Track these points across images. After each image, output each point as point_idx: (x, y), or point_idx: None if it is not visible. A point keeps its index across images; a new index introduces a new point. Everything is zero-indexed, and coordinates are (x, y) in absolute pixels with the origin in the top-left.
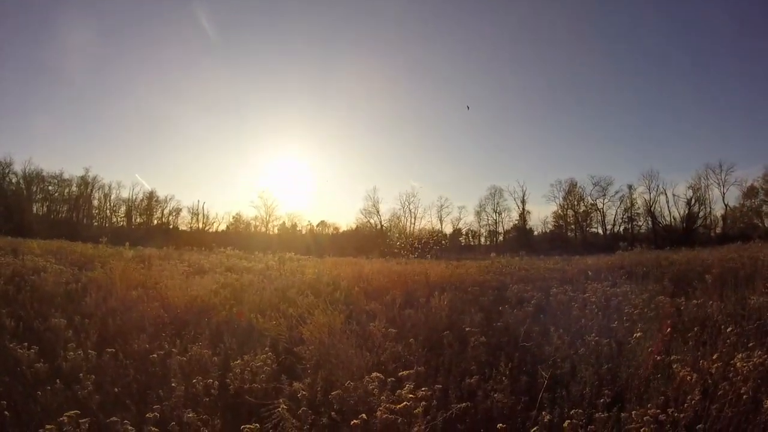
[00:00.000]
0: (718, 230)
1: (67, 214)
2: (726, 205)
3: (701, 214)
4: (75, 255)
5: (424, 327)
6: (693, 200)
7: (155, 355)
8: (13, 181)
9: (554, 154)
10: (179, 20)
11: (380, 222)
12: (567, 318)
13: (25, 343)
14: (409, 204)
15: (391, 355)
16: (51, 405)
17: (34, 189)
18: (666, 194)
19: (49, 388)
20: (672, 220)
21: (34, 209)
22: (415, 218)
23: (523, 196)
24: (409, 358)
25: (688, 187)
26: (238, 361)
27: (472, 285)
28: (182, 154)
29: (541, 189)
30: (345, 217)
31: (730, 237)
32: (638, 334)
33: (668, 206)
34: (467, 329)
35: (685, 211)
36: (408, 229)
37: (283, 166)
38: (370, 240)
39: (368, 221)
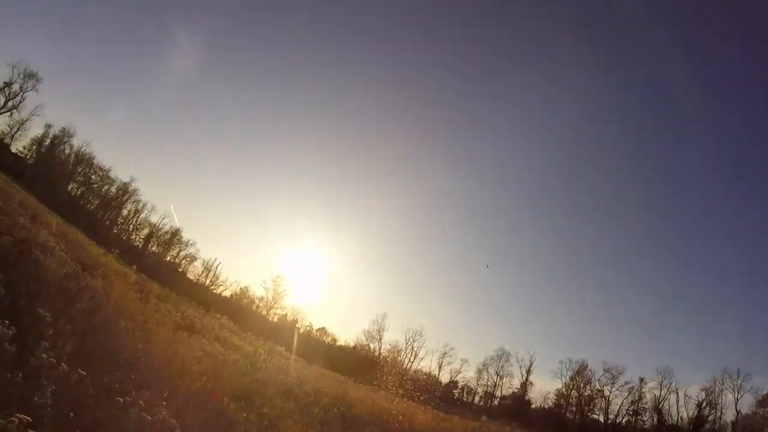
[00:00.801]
0: None
1: (96, 209)
2: (738, 412)
3: (711, 417)
4: (84, 252)
5: None
6: (704, 403)
7: (120, 400)
8: (66, 151)
9: (571, 331)
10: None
11: (380, 349)
12: None
13: (6, 321)
14: (414, 341)
15: None
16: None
17: (79, 169)
18: (677, 393)
19: (8, 375)
20: (679, 420)
21: (70, 187)
22: (415, 356)
23: (530, 366)
24: None
25: (702, 389)
26: None
27: None
28: (220, 208)
29: (550, 363)
30: (347, 332)
31: None
32: None
33: (677, 406)
34: None
35: (694, 413)
36: (405, 366)
37: (304, 260)
38: (365, 364)
39: (368, 344)
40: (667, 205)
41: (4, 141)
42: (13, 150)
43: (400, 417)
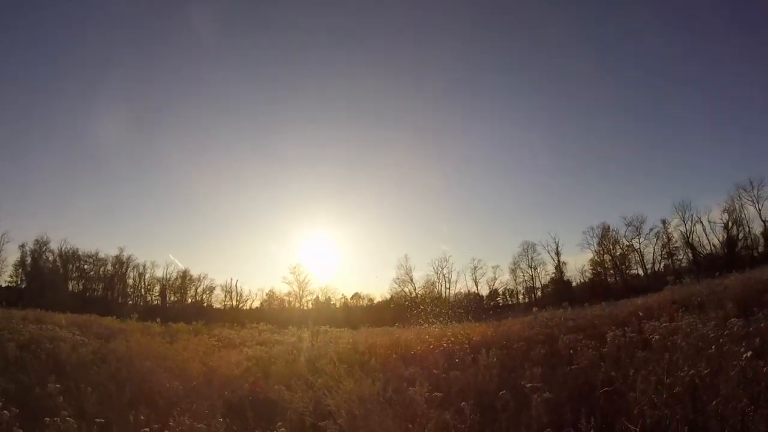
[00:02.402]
0: (761, 249)
1: (102, 292)
2: (765, 221)
3: (741, 235)
4: (101, 328)
5: (472, 389)
6: (730, 223)
7: (147, 430)
8: (50, 258)
9: (582, 200)
10: (213, 104)
11: (415, 290)
12: (632, 361)
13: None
14: (443, 269)
15: (437, 425)
16: None
17: (70, 267)
18: (702, 222)
19: None
20: (712, 247)
21: (70, 287)
22: (449, 282)
23: (557, 248)
24: (459, 427)
25: (723, 211)
26: None
27: (518, 341)
28: (214, 232)
29: (574, 238)
30: (379, 287)
31: None
32: None
33: (706, 234)
34: (528, 385)
35: (723, 236)
36: (444, 295)
37: (314, 241)
38: (406, 308)
39: (402, 290)
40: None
41: None
42: (2, 284)
43: (457, 339)
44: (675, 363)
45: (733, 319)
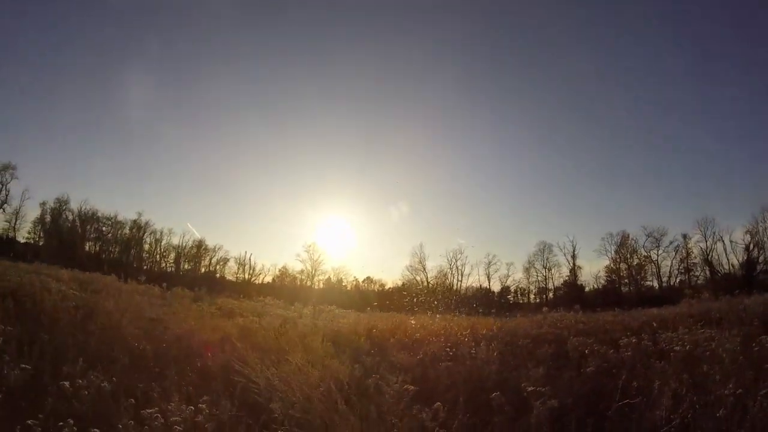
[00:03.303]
0: None
1: (118, 255)
2: None
3: (761, 258)
4: (101, 285)
5: (466, 384)
6: (751, 245)
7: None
8: (69, 218)
9: (604, 206)
10: (240, 83)
11: (427, 279)
12: (647, 372)
13: None
14: (456, 261)
15: (409, 428)
16: None
17: (89, 228)
18: (723, 241)
19: None
20: (731, 267)
21: (87, 247)
22: (462, 275)
23: (573, 251)
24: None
25: (746, 232)
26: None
27: (525, 338)
28: (232, 205)
29: (592, 243)
30: (391, 274)
31: None
32: None
33: (726, 253)
34: (529, 388)
35: (743, 258)
36: (455, 287)
37: (331, 222)
38: (417, 296)
39: (414, 278)
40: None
41: (9, 236)
42: (21, 240)
43: (462, 330)
44: (709, 377)
45: (764, 336)
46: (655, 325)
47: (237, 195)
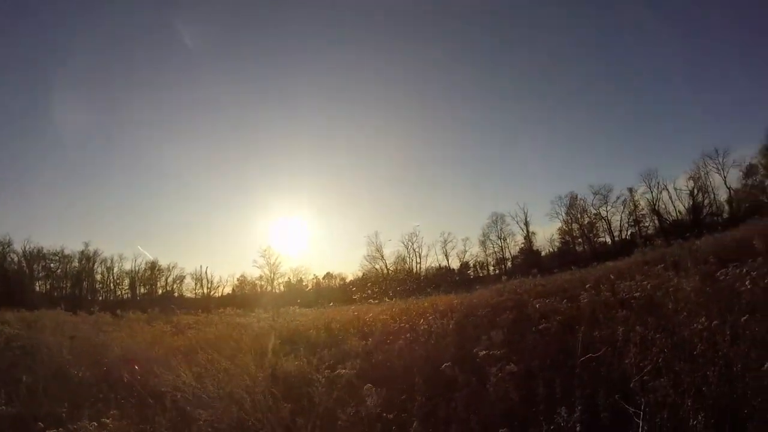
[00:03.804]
0: (725, 215)
1: (71, 290)
2: (729, 189)
3: (706, 202)
4: (52, 322)
5: (424, 364)
6: (695, 190)
7: None
8: (15, 260)
9: (550, 170)
10: (178, 94)
11: (386, 266)
12: (611, 322)
13: None
14: (413, 244)
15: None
16: None
17: (36, 267)
18: (668, 190)
19: None
20: (678, 214)
21: (37, 287)
22: (420, 257)
23: (526, 218)
24: (386, 419)
25: (689, 179)
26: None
27: (484, 308)
28: (181, 220)
29: (543, 208)
30: (351, 266)
31: (738, 219)
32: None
33: (672, 201)
34: (481, 353)
35: (689, 203)
36: (415, 269)
37: (284, 223)
38: (378, 285)
39: (374, 267)
40: None
41: None
42: None
43: (421, 310)
44: (674, 318)
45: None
46: (612, 277)
47: (184, 210)
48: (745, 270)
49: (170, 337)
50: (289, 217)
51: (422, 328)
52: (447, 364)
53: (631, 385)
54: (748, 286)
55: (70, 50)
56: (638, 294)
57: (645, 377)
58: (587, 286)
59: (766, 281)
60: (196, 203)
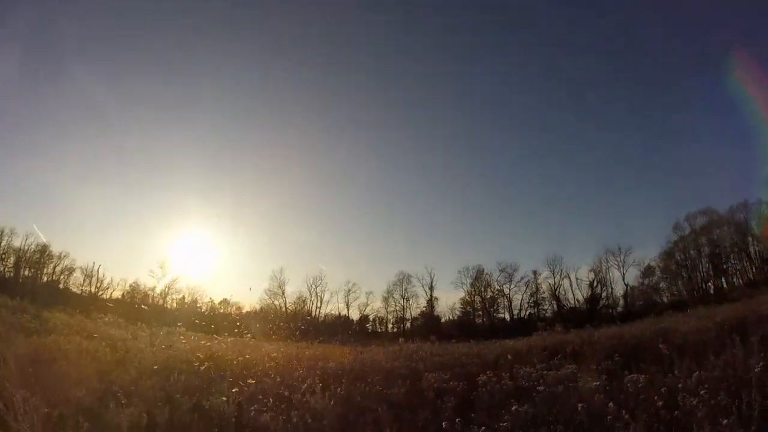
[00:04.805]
0: (619, 309)
1: None
2: (627, 285)
3: (603, 294)
4: None
5: None
6: (595, 282)
7: None
8: None
9: (462, 240)
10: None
11: (285, 304)
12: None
13: None
14: (316, 287)
15: None
16: None
17: None
18: (570, 278)
19: None
20: (576, 302)
21: None
22: (321, 302)
23: (431, 283)
24: None
25: (590, 270)
26: None
27: (377, 373)
28: (84, 210)
29: (449, 276)
30: (249, 297)
31: (632, 314)
32: None
33: (572, 289)
34: None
35: (588, 293)
36: (314, 313)
37: (189, 240)
38: (274, 322)
39: (273, 302)
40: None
41: None
42: None
43: (311, 361)
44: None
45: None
46: (510, 357)
47: (90, 199)
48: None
49: (27, 338)
50: (194, 234)
51: (300, 396)
52: None
53: None
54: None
55: None
56: (542, 388)
57: None
58: (486, 370)
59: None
60: (102, 195)
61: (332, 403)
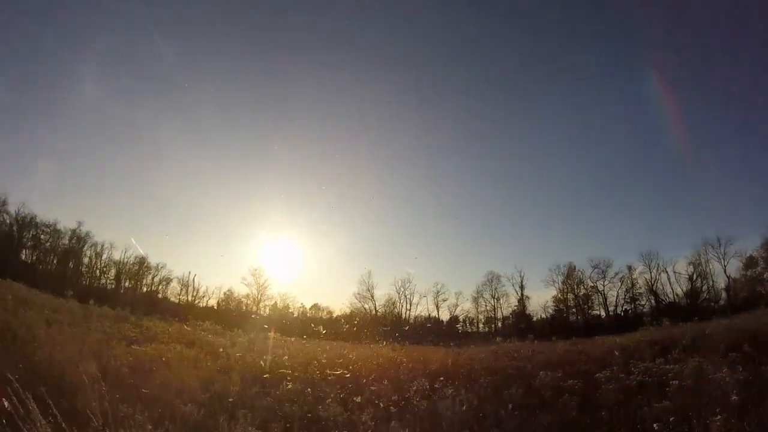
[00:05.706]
0: (722, 302)
1: (57, 267)
2: (729, 277)
3: (704, 288)
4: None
5: None
6: (695, 275)
7: None
8: (6, 221)
9: (551, 238)
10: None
11: (375, 307)
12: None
13: None
14: (405, 290)
15: None
16: None
17: (26, 235)
18: (667, 272)
19: None
20: (675, 296)
21: (24, 255)
22: (411, 304)
23: (521, 282)
24: None
25: (689, 264)
26: None
27: (486, 375)
28: (178, 222)
29: (539, 274)
30: (339, 301)
31: (736, 307)
32: None
33: (670, 283)
34: None
35: (687, 287)
36: (404, 316)
37: (279, 246)
38: (365, 325)
39: (362, 306)
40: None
41: None
42: None
43: (410, 363)
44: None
45: None
46: (617, 354)
47: (183, 213)
48: None
49: (125, 347)
50: (284, 241)
51: (425, 389)
52: None
53: None
54: None
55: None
56: (676, 382)
57: None
58: (597, 365)
59: None
60: (196, 208)
61: (451, 407)
